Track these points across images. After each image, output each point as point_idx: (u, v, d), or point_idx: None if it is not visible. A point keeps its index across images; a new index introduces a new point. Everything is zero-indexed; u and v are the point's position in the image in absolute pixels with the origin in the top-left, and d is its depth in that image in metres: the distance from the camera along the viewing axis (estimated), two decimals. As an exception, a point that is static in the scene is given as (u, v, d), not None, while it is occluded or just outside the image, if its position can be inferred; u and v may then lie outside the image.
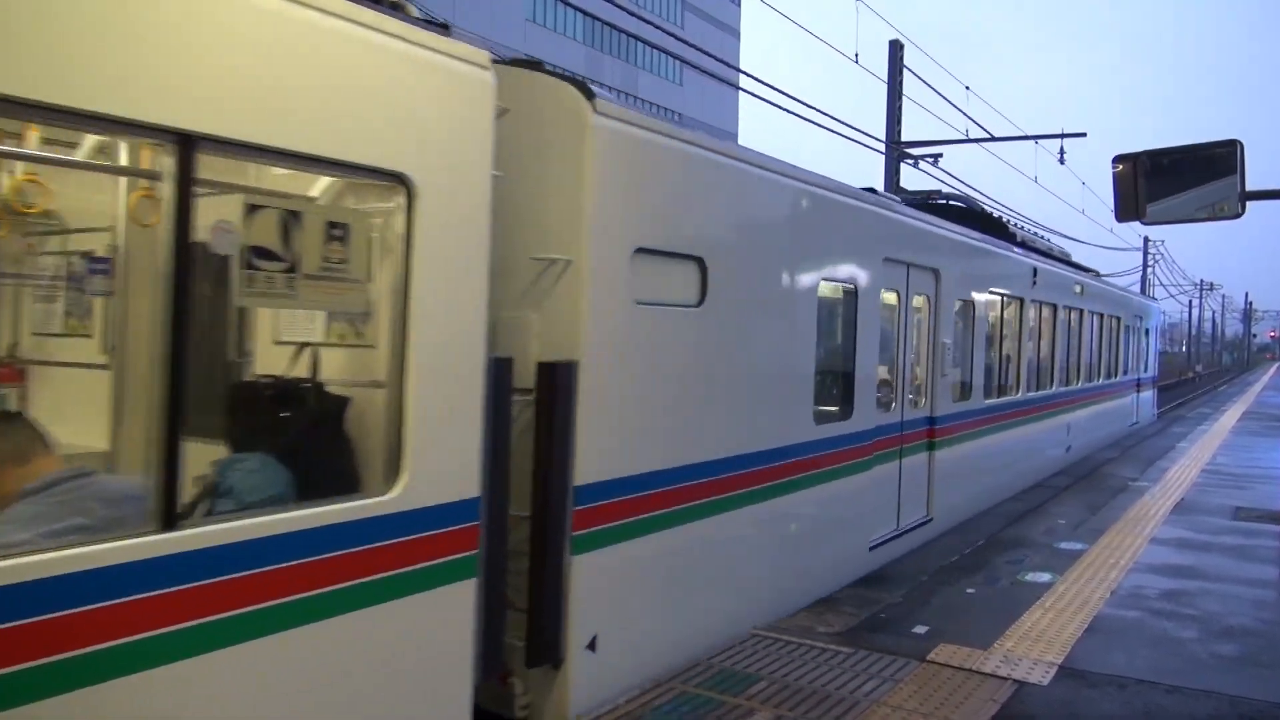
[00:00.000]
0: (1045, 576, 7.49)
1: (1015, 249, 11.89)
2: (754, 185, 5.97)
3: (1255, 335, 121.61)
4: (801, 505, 6.46)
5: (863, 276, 7.35)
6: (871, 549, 7.70)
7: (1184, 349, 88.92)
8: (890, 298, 8.04)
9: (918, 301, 8.67)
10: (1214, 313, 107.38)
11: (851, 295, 7.26)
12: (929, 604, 6.74)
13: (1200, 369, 77.39)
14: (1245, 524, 9.93)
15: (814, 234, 6.69)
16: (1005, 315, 11.55)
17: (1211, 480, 13.00)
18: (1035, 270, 12.11)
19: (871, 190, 8.28)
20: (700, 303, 5.34)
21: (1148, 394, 22.75)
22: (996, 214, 13.25)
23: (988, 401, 10.63)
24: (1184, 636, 6.18)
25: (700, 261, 5.32)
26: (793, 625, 6.17)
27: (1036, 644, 5.86)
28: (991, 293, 10.83)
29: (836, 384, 7.21)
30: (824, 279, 6.75)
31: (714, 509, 5.46)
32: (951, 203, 12.30)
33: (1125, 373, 18.96)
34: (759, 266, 5.97)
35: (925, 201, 11.44)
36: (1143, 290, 60.13)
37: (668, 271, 5.13)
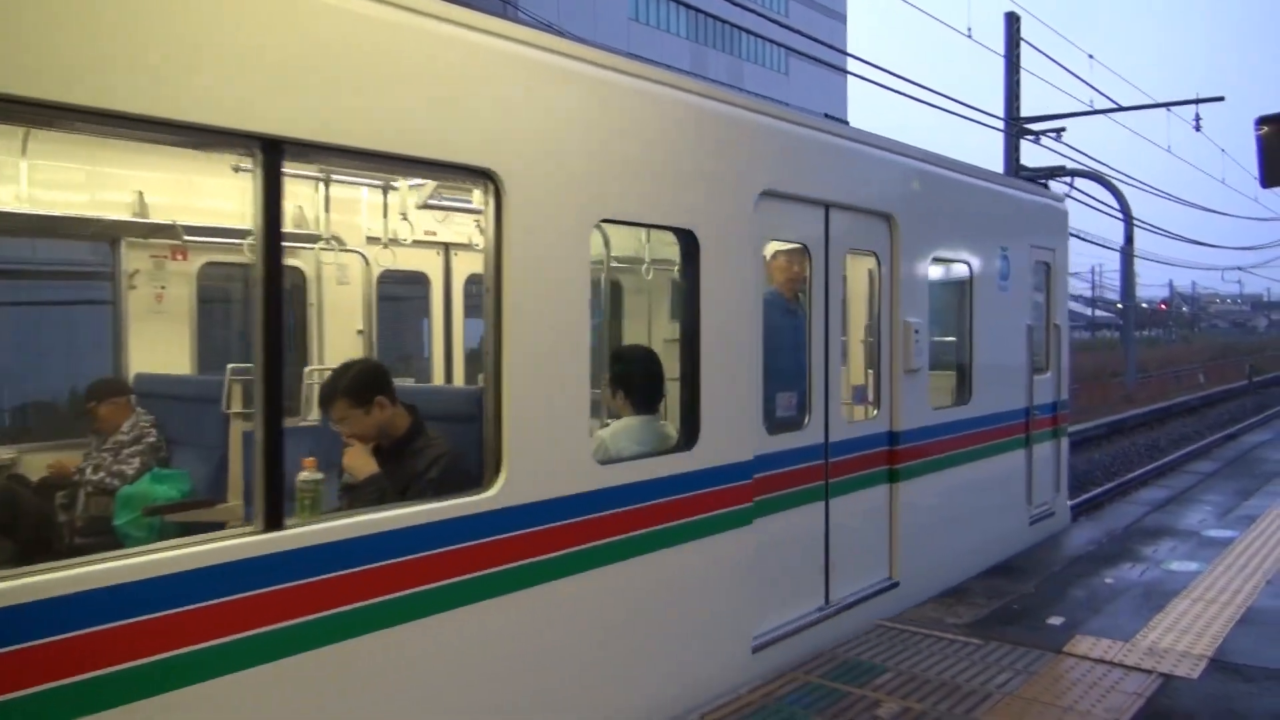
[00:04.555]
0: (1192, 565, 7.08)
1: None
2: None
3: None
4: None
5: None
6: None
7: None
8: None
9: None
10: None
11: None
12: (1064, 595, 6.47)
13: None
14: None
15: None
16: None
17: (1380, 463, 12.02)
18: None
19: None
20: None
21: (1000, 464, 7.57)
22: None
23: None
24: (1352, 629, 5.74)
25: None
26: (920, 616, 6.02)
27: (1184, 636, 5.55)
28: None
29: None
30: None
31: None
32: None
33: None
34: None
35: None
36: None
37: None
